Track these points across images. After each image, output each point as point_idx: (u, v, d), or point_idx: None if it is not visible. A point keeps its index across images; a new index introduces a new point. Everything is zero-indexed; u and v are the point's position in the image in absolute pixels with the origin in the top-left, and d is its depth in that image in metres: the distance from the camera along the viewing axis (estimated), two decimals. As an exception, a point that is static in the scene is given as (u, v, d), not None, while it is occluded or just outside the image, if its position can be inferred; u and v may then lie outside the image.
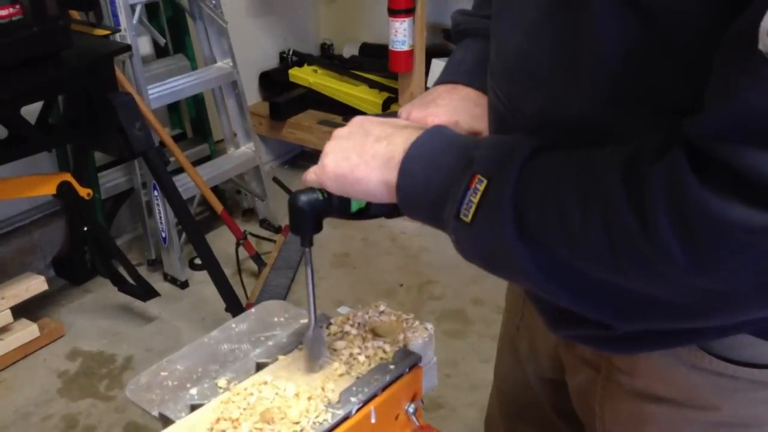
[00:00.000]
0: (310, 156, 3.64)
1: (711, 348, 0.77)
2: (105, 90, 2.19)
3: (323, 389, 0.85)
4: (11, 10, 1.84)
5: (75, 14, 2.42)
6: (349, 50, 3.62)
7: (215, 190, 2.90)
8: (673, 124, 0.59)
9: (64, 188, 2.28)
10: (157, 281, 2.79)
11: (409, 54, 2.85)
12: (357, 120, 0.84)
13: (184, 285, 2.83)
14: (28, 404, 2.31)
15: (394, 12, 2.77)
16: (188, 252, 2.91)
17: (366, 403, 0.85)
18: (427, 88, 1.93)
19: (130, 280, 2.60)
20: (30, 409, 2.30)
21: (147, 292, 2.59)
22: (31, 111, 2.18)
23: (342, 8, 3.74)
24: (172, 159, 2.61)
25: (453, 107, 0.95)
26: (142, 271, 2.75)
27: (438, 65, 2.98)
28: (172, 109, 3.17)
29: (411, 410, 0.91)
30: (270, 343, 0.96)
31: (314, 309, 0.89)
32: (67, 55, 2.05)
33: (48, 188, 2.28)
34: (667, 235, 0.56)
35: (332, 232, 3.09)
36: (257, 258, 2.78)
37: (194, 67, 2.99)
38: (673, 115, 0.60)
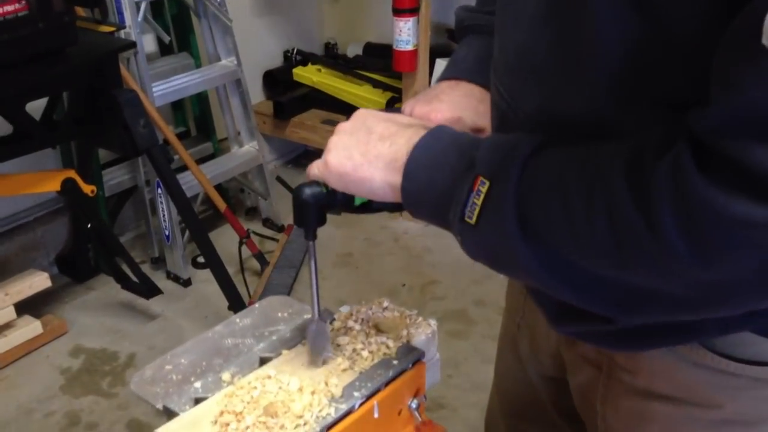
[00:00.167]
0: (314, 155, 3.62)
1: (713, 346, 0.77)
2: (110, 87, 2.20)
3: (326, 384, 0.85)
4: (17, 5, 1.84)
5: (80, 11, 2.43)
6: (353, 50, 3.62)
7: (218, 188, 2.90)
8: (673, 119, 0.59)
9: (68, 185, 2.28)
10: (160, 279, 2.79)
11: (413, 54, 2.86)
12: (360, 114, 0.83)
13: (186, 283, 2.83)
14: (30, 401, 2.32)
15: (398, 11, 2.77)
16: (191, 250, 2.91)
17: (369, 397, 0.85)
18: (431, 87, 1.92)
19: (134, 278, 2.61)
20: (32, 406, 2.30)
21: (150, 290, 2.59)
22: (35, 107, 2.18)
23: (346, 8, 3.75)
24: (176, 157, 2.61)
25: (456, 103, 0.95)
26: (145, 269, 2.75)
27: (442, 65, 2.98)
28: (176, 107, 3.17)
29: (414, 406, 0.91)
30: (274, 337, 0.97)
31: (318, 303, 0.89)
32: (72, 52, 2.06)
33: (52, 185, 2.28)
34: (671, 231, 0.56)
35: (335, 231, 3.09)
36: (260, 257, 2.79)
37: (198, 65, 2.99)
38: (674, 111, 0.60)
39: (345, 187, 0.81)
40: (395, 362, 0.89)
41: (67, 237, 2.88)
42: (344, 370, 0.88)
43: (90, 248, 2.84)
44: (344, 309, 1.00)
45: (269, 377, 0.87)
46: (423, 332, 0.95)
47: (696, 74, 0.59)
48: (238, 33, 2.91)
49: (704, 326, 0.73)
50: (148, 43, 2.94)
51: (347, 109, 3.34)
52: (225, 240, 2.94)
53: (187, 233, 2.82)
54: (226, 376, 0.89)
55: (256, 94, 3.49)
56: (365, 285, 2.82)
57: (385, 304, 1.00)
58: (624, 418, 0.88)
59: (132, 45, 2.41)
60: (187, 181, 2.68)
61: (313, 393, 0.84)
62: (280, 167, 3.71)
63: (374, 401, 0.85)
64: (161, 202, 2.71)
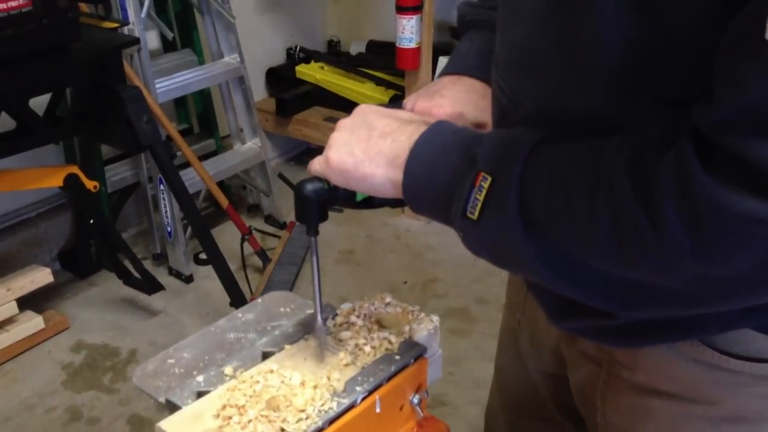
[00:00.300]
0: (316, 152, 3.57)
1: (713, 342, 0.77)
2: (113, 83, 2.20)
3: (329, 378, 0.86)
4: (21, 1, 1.85)
5: (84, 7, 2.43)
6: (356, 47, 3.62)
7: (221, 185, 2.90)
8: (673, 115, 0.59)
9: (71, 181, 2.29)
10: (161, 275, 2.80)
11: (416, 51, 2.86)
12: (361, 110, 0.83)
13: (188, 279, 2.83)
14: (32, 396, 2.32)
15: (402, 9, 2.77)
16: (193, 247, 2.91)
17: (371, 392, 0.85)
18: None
19: (135, 274, 2.61)
20: (34, 401, 2.30)
21: (152, 286, 2.60)
22: (39, 103, 2.19)
23: (349, 5, 3.75)
24: (178, 153, 2.61)
25: (458, 98, 0.95)
26: (147, 265, 2.76)
27: (445, 63, 2.98)
28: (179, 104, 3.18)
29: (416, 401, 0.91)
30: (276, 332, 0.97)
31: (320, 298, 0.90)
32: (75, 48, 2.06)
33: (55, 180, 2.29)
34: (674, 226, 0.56)
35: (337, 229, 3.10)
36: (262, 253, 2.79)
37: (201, 62, 3.00)
38: (674, 107, 0.61)
39: (346, 184, 0.81)
40: (397, 357, 0.89)
41: (69, 233, 2.89)
42: (346, 365, 0.89)
43: (92, 244, 2.85)
44: (345, 306, 1.01)
45: (272, 371, 0.87)
46: (425, 328, 0.95)
47: (696, 71, 0.59)
48: (241, 30, 2.91)
49: (704, 323, 0.73)
50: (152, 40, 2.94)
51: (350, 107, 3.30)
52: (227, 237, 2.94)
53: (189, 230, 2.83)
54: (228, 370, 0.89)
55: (259, 91, 3.49)
56: (367, 282, 2.82)
57: (388, 299, 1.00)
58: (624, 414, 0.88)
59: (135, 41, 2.41)
60: (190, 177, 2.68)
61: (315, 387, 0.84)
62: (283, 164, 3.71)
63: (376, 396, 0.85)
64: (163, 199, 2.72)
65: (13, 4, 1.84)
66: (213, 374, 0.89)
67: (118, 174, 2.89)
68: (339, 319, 0.97)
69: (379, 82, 3.29)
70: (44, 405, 2.29)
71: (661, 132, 0.59)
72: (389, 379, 0.87)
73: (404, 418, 0.91)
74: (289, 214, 3.17)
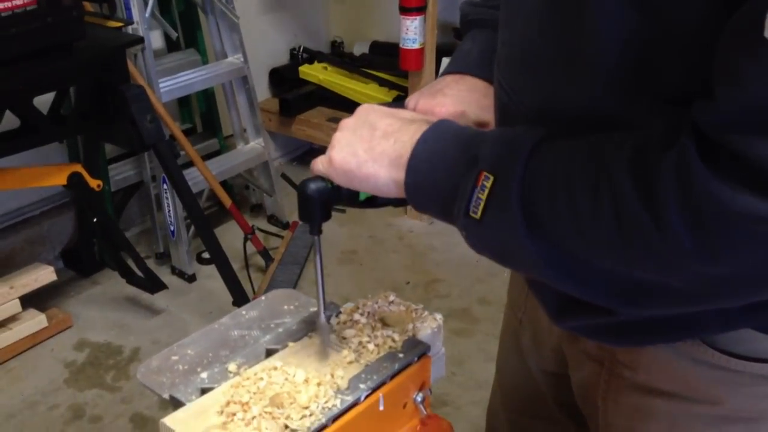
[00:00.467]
0: (319, 153, 3.57)
1: (714, 342, 0.77)
2: (117, 82, 2.21)
3: (332, 376, 0.86)
4: (26, 0, 1.85)
5: (88, 6, 2.44)
6: (360, 48, 3.62)
7: (224, 184, 2.91)
8: (675, 112, 0.59)
9: (74, 179, 2.29)
10: (164, 274, 2.80)
11: (420, 52, 2.86)
12: (363, 110, 0.83)
13: (191, 278, 2.84)
14: (35, 393, 2.33)
15: (405, 10, 2.77)
16: (196, 246, 2.92)
17: (375, 390, 0.85)
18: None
19: (138, 273, 2.62)
20: (37, 399, 2.31)
21: (155, 285, 2.60)
22: (43, 101, 2.19)
23: (353, 6, 3.75)
24: (182, 153, 2.62)
25: (460, 98, 0.95)
26: (150, 264, 2.76)
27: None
28: (183, 103, 3.18)
29: (419, 399, 0.91)
30: (280, 330, 0.97)
31: (323, 296, 0.90)
32: (80, 47, 2.07)
33: (59, 179, 2.29)
34: (676, 225, 0.56)
35: (339, 229, 3.10)
36: (265, 253, 2.79)
37: (205, 62, 3.00)
38: (674, 105, 0.61)
39: (349, 184, 0.81)
40: (401, 355, 0.89)
41: (72, 231, 2.89)
42: (350, 362, 0.89)
43: (95, 243, 2.85)
44: (349, 305, 1.01)
45: (275, 368, 0.87)
46: (429, 326, 0.95)
47: (695, 69, 0.59)
48: (244, 30, 2.92)
49: (705, 322, 0.73)
50: (156, 39, 2.95)
51: (353, 107, 3.28)
52: (230, 236, 2.95)
53: (192, 229, 2.83)
54: (232, 366, 0.89)
55: (263, 91, 3.50)
56: (369, 282, 2.82)
57: (391, 298, 1.00)
58: (625, 413, 0.89)
59: (139, 40, 2.42)
60: (193, 177, 2.69)
61: (319, 384, 0.84)
62: (286, 164, 3.72)
63: (380, 394, 0.85)
64: (167, 198, 2.72)
65: (18, 2, 1.84)
66: (217, 371, 0.89)
67: (122, 173, 2.90)
68: (342, 317, 0.97)
69: (382, 82, 3.29)
70: (47, 403, 2.29)
71: (662, 130, 0.59)
72: (393, 377, 0.87)
73: (407, 416, 0.92)
74: (291, 214, 3.17)
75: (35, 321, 2.49)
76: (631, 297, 0.69)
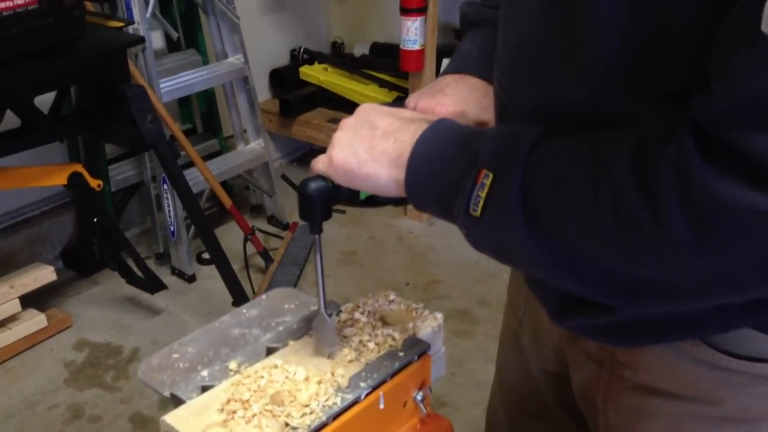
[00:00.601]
0: (319, 154, 3.62)
1: (714, 342, 0.77)
2: (118, 81, 2.21)
3: (333, 374, 0.86)
4: (27, -1, 1.86)
5: (89, 6, 2.44)
6: (360, 49, 3.63)
7: (224, 185, 2.91)
8: (674, 108, 0.59)
9: (75, 179, 2.30)
10: (164, 275, 2.80)
11: (420, 53, 2.86)
12: (363, 109, 0.83)
13: (191, 279, 2.84)
14: (34, 393, 2.33)
15: (406, 11, 2.77)
16: (196, 246, 2.92)
17: (375, 388, 0.85)
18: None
19: (138, 273, 2.62)
20: (36, 398, 2.31)
21: (155, 285, 2.60)
22: (44, 101, 2.19)
23: (353, 7, 3.75)
24: (182, 153, 2.62)
25: (460, 97, 0.95)
26: (150, 264, 2.76)
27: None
28: (183, 104, 3.18)
29: (419, 398, 0.91)
30: (280, 328, 0.97)
31: (324, 296, 0.90)
32: (81, 46, 2.07)
33: (59, 178, 2.29)
34: (676, 221, 0.56)
35: (339, 230, 3.10)
36: (265, 254, 2.79)
37: (206, 62, 3.00)
38: (673, 101, 0.61)
39: (350, 183, 0.81)
40: (401, 354, 0.89)
41: (72, 231, 2.90)
42: (350, 361, 0.89)
43: (95, 243, 2.85)
44: (348, 305, 1.01)
45: (276, 367, 0.87)
46: (429, 325, 0.95)
47: (694, 65, 0.59)
48: (245, 31, 2.92)
49: (705, 322, 0.73)
50: (156, 40, 2.95)
51: (353, 108, 3.23)
52: (230, 237, 2.95)
53: (192, 229, 2.83)
54: (232, 365, 0.89)
55: (263, 92, 3.50)
56: (369, 283, 2.82)
57: (392, 297, 1.00)
58: (625, 414, 0.88)
59: (140, 40, 2.42)
60: (193, 177, 2.69)
61: (319, 383, 0.84)
62: (286, 165, 3.72)
63: (380, 392, 0.85)
64: (167, 198, 2.72)
65: (20, 1, 1.84)
66: (217, 369, 0.89)
67: (122, 173, 2.90)
68: (343, 316, 0.97)
69: (382, 83, 3.29)
70: (46, 403, 2.29)
71: (661, 127, 0.59)
72: (393, 375, 0.87)
73: (407, 414, 0.92)
74: (291, 215, 3.17)
75: (35, 321, 2.49)
76: (632, 293, 0.69)
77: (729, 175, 0.53)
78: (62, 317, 2.59)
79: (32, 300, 2.53)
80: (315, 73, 3.46)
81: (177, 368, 0.92)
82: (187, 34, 3.03)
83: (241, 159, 3.05)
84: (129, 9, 2.50)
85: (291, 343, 0.93)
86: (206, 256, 2.85)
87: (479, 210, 0.68)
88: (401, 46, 2.86)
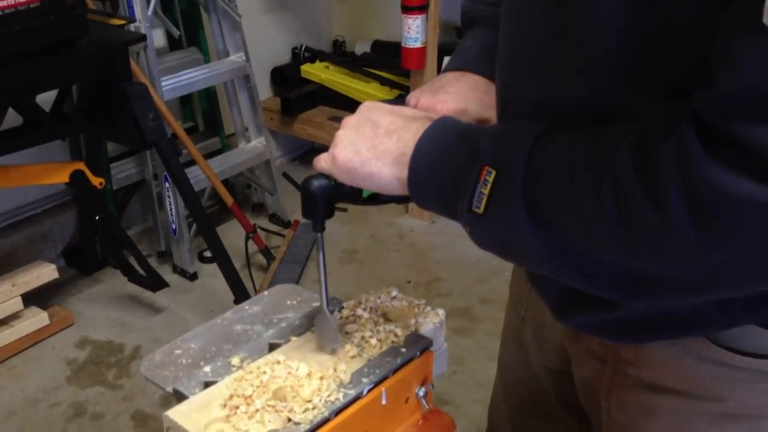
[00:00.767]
0: (320, 152, 3.60)
1: (717, 339, 0.77)
2: (119, 79, 2.21)
3: (335, 370, 0.86)
4: (29, -3, 1.86)
5: (91, 4, 2.44)
6: (361, 47, 3.62)
7: (225, 183, 2.91)
8: (675, 102, 0.59)
9: (76, 177, 2.30)
10: (166, 273, 2.80)
11: (422, 51, 2.86)
12: (365, 107, 0.83)
13: (193, 277, 2.84)
14: (36, 391, 2.33)
15: (407, 9, 2.78)
16: (198, 244, 2.92)
17: (377, 384, 0.85)
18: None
19: (140, 271, 2.62)
20: (38, 396, 2.31)
21: (156, 283, 2.60)
22: (45, 99, 2.19)
23: (355, 5, 3.75)
24: (184, 151, 2.62)
25: (462, 94, 0.95)
26: (152, 262, 2.77)
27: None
28: (185, 102, 3.18)
29: (421, 394, 0.92)
30: (283, 324, 0.97)
31: (326, 292, 0.90)
32: (82, 44, 2.07)
33: (61, 176, 2.30)
34: (678, 213, 0.56)
35: (341, 228, 3.10)
36: (266, 252, 2.79)
37: (207, 61, 3.00)
38: (675, 95, 0.61)
39: (353, 182, 0.81)
40: (403, 350, 0.89)
41: (74, 229, 2.90)
42: (353, 357, 0.89)
43: (97, 241, 2.85)
44: (350, 302, 1.01)
45: (278, 362, 0.87)
46: (431, 321, 0.95)
47: (695, 58, 0.59)
48: (246, 29, 2.92)
49: (709, 319, 0.73)
50: (158, 38, 2.95)
51: (355, 107, 3.24)
52: (231, 235, 2.95)
53: (193, 227, 2.83)
54: (235, 360, 0.89)
55: (264, 90, 3.50)
56: (370, 281, 2.82)
57: (394, 293, 1.01)
58: (628, 411, 0.88)
59: (142, 38, 2.42)
60: (195, 175, 2.69)
61: (321, 378, 0.84)
62: (287, 163, 3.72)
63: (382, 388, 0.85)
64: (168, 196, 2.72)
65: (21, -1, 1.84)
66: (220, 365, 0.89)
67: (124, 171, 2.90)
68: (345, 312, 0.97)
69: (384, 81, 3.29)
70: (48, 400, 2.29)
71: (663, 120, 0.59)
72: (395, 371, 0.87)
73: (410, 410, 0.92)
74: (293, 213, 3.17)
75: (37, 319, 2.49)
76: (636, 288, 0.69)
77: (730, 167, 0.53)
78: (64, 315, 2.59)
79: (34, 298, 2.53)
80: (316, 72, 3.46)
81: (180, 364, 0.92)
82: (189, 32, 3.03)
83: (242, 157, 3.05)
84: (131, 7, 2.50)
85: (293, 339, 0.93)
86: (208, 254, 2.85)
87: (482, 207, 0.68)
88: (402, 44, 2.86)
